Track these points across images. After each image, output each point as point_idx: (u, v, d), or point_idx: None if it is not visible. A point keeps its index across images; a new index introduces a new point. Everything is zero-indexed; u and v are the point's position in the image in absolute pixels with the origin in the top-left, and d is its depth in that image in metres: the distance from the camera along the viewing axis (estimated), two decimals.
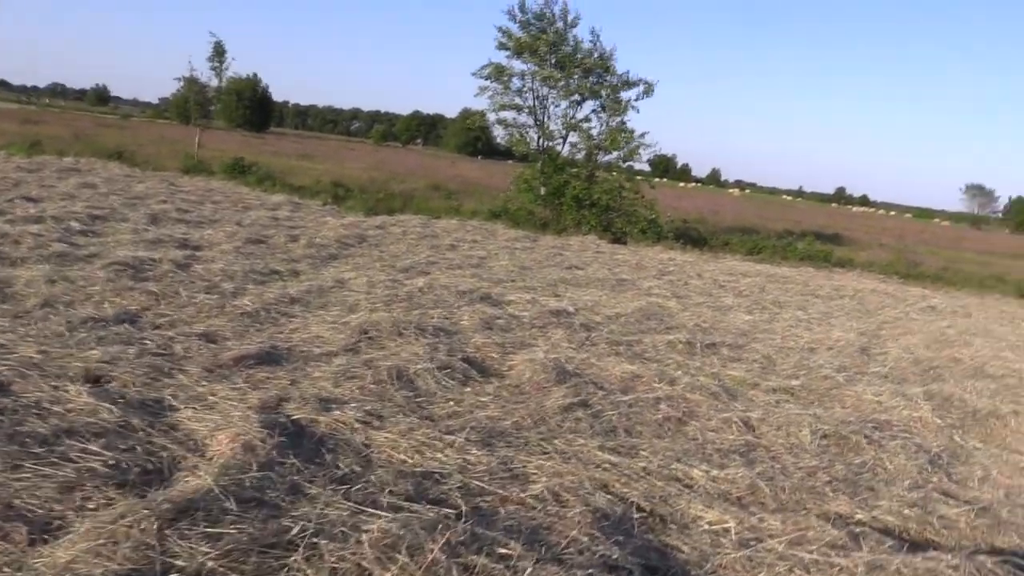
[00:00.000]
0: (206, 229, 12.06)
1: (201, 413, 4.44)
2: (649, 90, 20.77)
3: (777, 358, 8.00)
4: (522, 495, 3.95)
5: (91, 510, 3.19)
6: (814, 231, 34.04)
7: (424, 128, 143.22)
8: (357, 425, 4.53)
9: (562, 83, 20.38)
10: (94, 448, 3.73)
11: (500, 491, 3.97)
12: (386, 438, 4.41)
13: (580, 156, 21.41)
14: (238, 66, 79.01)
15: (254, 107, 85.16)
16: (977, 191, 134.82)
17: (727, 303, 11.03)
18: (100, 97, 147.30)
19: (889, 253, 27.15)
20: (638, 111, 20.76)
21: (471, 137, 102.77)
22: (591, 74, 20.50)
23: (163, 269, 8.41)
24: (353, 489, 3.62)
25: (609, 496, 4.12)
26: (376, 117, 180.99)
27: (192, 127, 25.04)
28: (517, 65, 20.72)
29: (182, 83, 24.01)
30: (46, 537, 2.93)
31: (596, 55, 20.47)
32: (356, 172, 31.94)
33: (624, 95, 20.77)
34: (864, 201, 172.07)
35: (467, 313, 7.90)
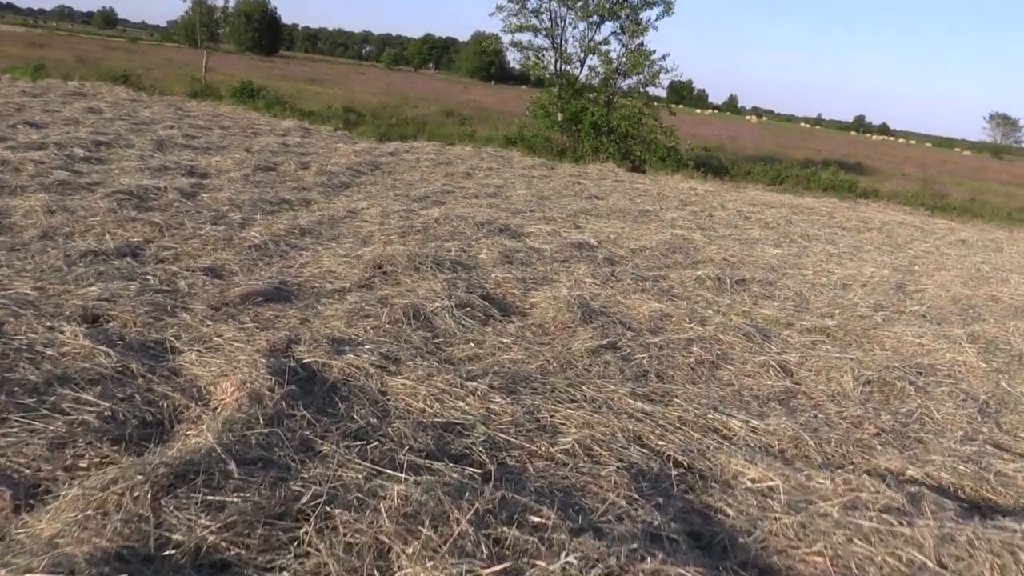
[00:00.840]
0: (214, 156, 11.65)
1: (205, 357, 4.14)
2: (669, 9, 19.91)
3: (810, 295, 7.64)
4: (552, 449, 3.65)
5: (83, 470, 2.91)
6: (836, 160, 33.24)
7: (436, 52, 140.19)
8: (372, 370, 4.22)
9: (580, 3, 19.52)
10: (89, 398, 3.44)
11: (528, 445, 3.67)
12: (403, 384, 4.10)
13: (598, 81, 20.64)
14: None
15: (263, 30, 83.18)
16: (1001, 120, 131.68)
17: (753, 236, 10.61)
18: (107, 20, 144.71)
19: (913, 184, 26.42)
20: (658, 30, 19.94)
21: (484, 61, 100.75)
22: None
23: (168, 199, 8.06)
24: (369, 446, 3.32)
25: (644, 450, 3.82)
26: (387, 41, 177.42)
27: (200, 50, 24.29)
28: None
29: (189, 5, 23.25)
30: (32, 503, 2.65)
31: None
32: (367, 97, 31.17)
33: (644, 15, 19.93)
34: (884, 129, 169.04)
35: (485, 246, 7.53)
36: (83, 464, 2.96)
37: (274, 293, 5.42)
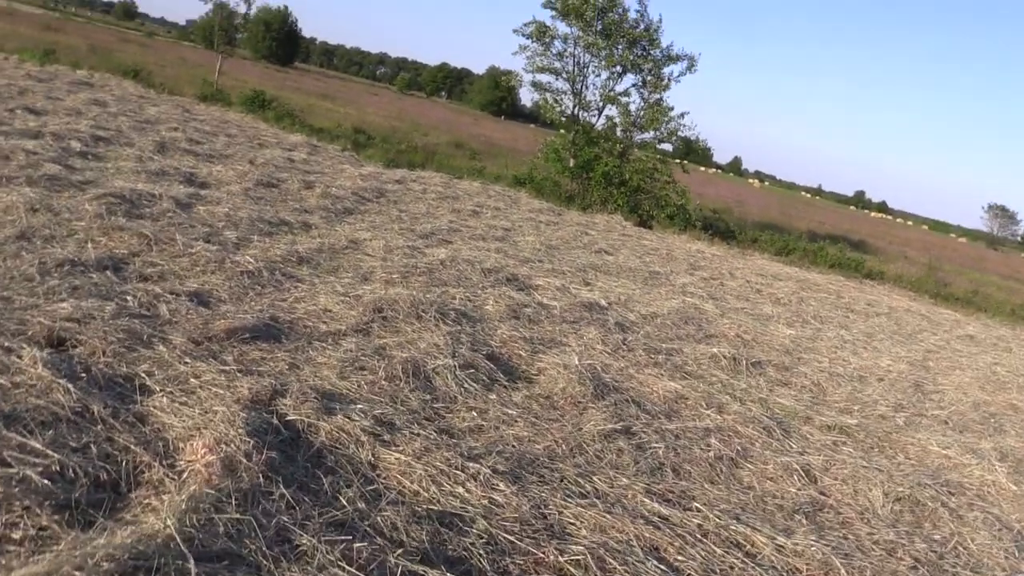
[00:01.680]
0: (216, 165, 11.24)
1: (178, 402, 3.67)
2: (692, 65, 19.76)
3: (827, 386, 7.21)
4: (561, 559, 3.18)
5: (13, 544, 2.42)
6: (839, 235, 33.17)
7: (450, 81, 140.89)
8: (364, 437, 3.75)
9: (605, 52, 19.33)
10: (36, 445, 2.96)
11: (534, 551, 3.20)
12: (397, 459, 3.63)
13: (618, 131, 20.40)
14: None
15: (281, 40, 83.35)
16: (999, 211, 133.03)
17: (766, 312, 10.21)
18: (127, 12, 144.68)
19: (917, 268, 26.24)
20: (679, 82, 19.77)
21: (497, 96, 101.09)
22: (635, 45, 19.45)
23: (162, 207, 7.61)
24: (356, 544, 2.83)
25: (663, 567, 3.35)
26: (402, 64, 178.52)
27: (216, 53, 23.94)
28: (561, 27, 19.69)
29: (210, 6, 22.94)
30: None
31: (642, 26, 19.41)
32: (378, 119, 30.93)
33: (666, 70, 19.77)
34: (883, 207, 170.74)
35: (492, 296, 7.09)
36: (15, 536, 2.47)
37: (263, 330, 4.95)
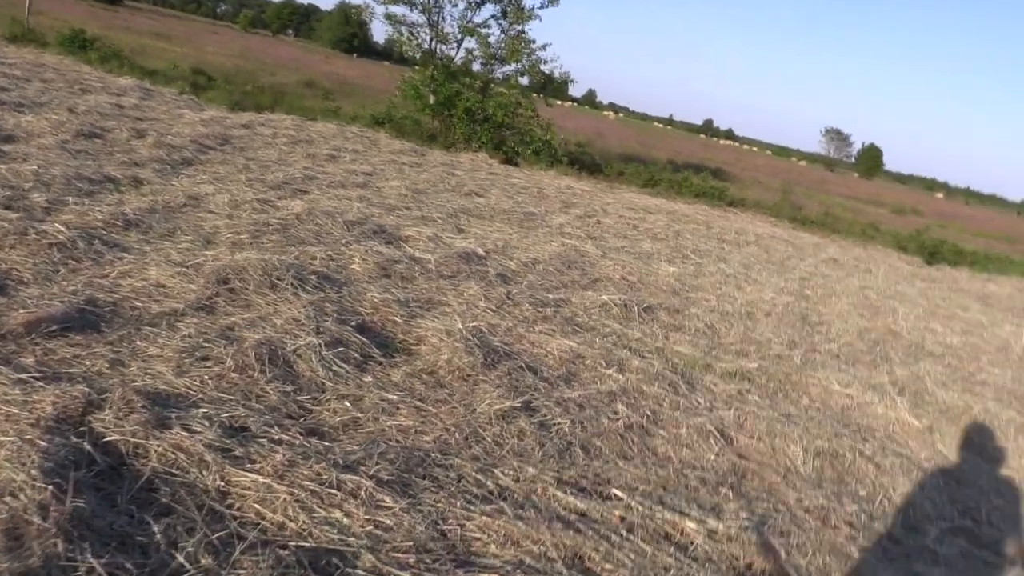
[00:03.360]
0: (26, 115, 9.68)
1: None
2: None
3: (720, 327, 6.88)
4: None
5: None
6: (696, 164, 33.80)
7: (297, 18, 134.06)
8: (209, 456, 2.96)
9: None
10: None
11: None
12: (254, 481, 2.88)
13: (475, 65, 19.53)
14: None
15: None
16: (835, 135, 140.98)
17: (646, 249, 9.85)
18: None
19: (771, 194, 27.06)
20: (541, 20, 19.07)
21: (348, 33, 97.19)
22: None
23: None
24: None
25: None
26: (245, 2, 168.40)
27: None
28: None
29: None
30: None
31: None
32: (220, 59, 28.67)
33: (527, 2, 18.97)
34: (730, 134, 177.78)
35: (358, 254, 6.29)
36: None
37: (76, 318, 4.00)
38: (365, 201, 8.70)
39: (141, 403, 3.23)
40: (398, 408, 3.83)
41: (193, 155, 9.42)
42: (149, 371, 3.64)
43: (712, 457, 4.15)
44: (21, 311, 3.89)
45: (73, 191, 6.54)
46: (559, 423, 4.05)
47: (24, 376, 3.28)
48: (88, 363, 3.62)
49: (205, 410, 3.35)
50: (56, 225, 5.20)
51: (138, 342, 3.92)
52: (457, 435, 3.69)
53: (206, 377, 3.67)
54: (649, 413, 4.49)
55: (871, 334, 8.05)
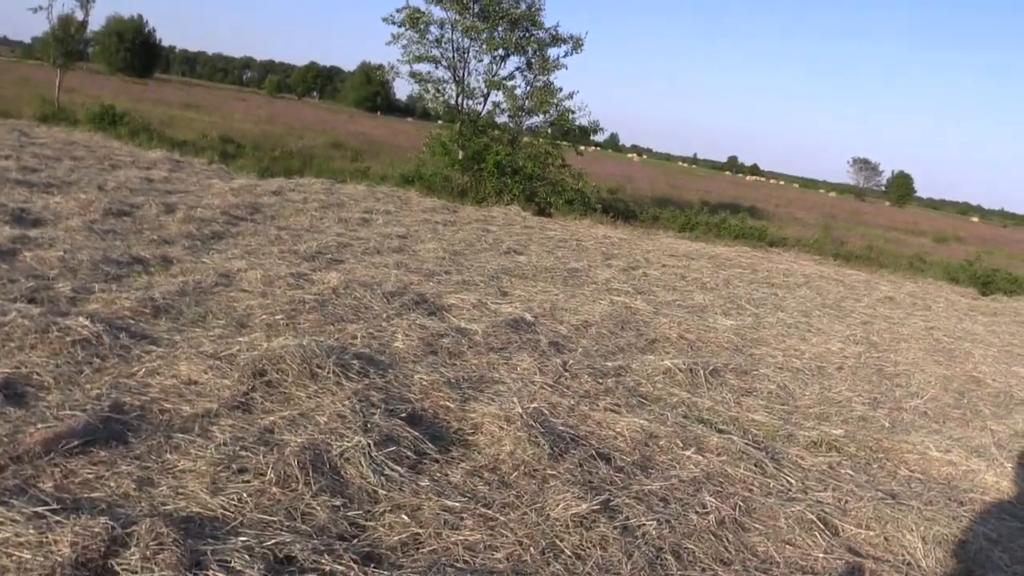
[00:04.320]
0: (55, 196, 9.53)
1: None
2: (578, 46, 18.82)
3: (793, 387, 6.35)
4: None
5: None
6: (729, 203, 33.33)
7: (321, 80, 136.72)
8: None
9: (485, 34, 18.14)
10: None
11: None
12: None
13: (503, 118, 19.30)
14: (122, 6, 72.75)
15: (136, 50, 78.12)
16: (863, 164, 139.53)
17: (698, 301, 9.34)
18: None
19: (811, 230, 26.46)
20: (567, 68, 18.84)
21: (370, 92, 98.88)
22: (517, 27, 18.35)
23: None
24: None
25: None
26: (270, 67, 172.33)
27: (54, 68, 21.46)
28: (436, 12, 18.36)
29: (55, 19, 20.39)
30: None
31: (524, 6, 18.32)
32: (248, 126, 28.87)
33: (552, 52, 18.76)
34: (755, 170, 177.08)
35: (400, 329, 5.88)
36: None
37: (100, 429, 3.61)
38: (402, 267, 8.32)
39: (172, 536, 2.80)
40: (462, 518, 3.36)
41: (224, 228, 9.15)
42: (181, 490, 3.22)
43: (821, 555, 3.62)
44: (40, 426, 3.51)
45: (100, 276, 6.24)
46: (644, 525, 3.55)
47: (40, 509, 2.87)
48: (112, 484, 3.21)
49: (245, 538, 2.92)
50: (80, 319, 4.85)
51: (168, 454, 3.51)
52: (532, 549, 3.20)
53: (245, 495, 3.24)
54: (740, 503, 3.97)
55: (953, 384, 7.45)
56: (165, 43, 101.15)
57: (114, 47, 75.98)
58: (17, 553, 2.61)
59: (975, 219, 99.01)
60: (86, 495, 3.10)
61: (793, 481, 4.42)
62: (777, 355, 7.31)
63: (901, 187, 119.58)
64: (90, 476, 3.24)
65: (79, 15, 20.91)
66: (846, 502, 4.21)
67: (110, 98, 25.66)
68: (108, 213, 8.91)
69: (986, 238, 45.21)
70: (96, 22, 75.66)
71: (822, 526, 3.87)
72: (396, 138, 36.90)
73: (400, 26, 18.37)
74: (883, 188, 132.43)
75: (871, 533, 3.92)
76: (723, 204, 31.66)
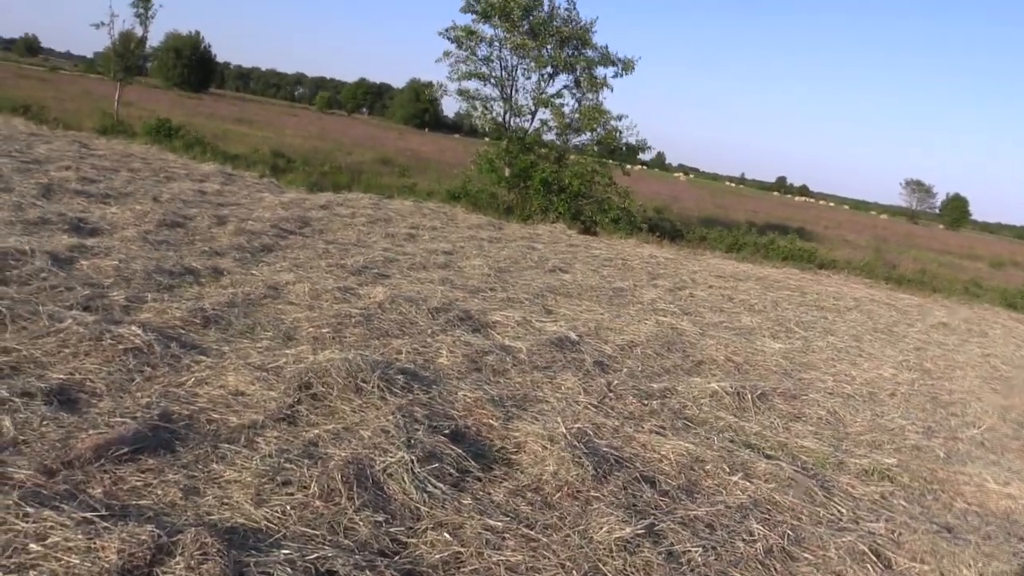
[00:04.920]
0: (111, 206, 9.77)
1: None
2: (628, 67, 18.79)
3: (843, 412, 6.20)
4: None
5: None
6: (777, 223, 32.92)
7: (371, 97, 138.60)
8: None
9: (534, 52, 18.22)
10: None
11: None
12: None
13: (550, 136, 19.34)
14: (180, 23, 74.74)
15: (193, 66, 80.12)
16: (916, 186, 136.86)
17: (746, 323, 9.21)
18: (29, 47, 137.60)
19: (861, 252, 25.99)
20: (612, 90, 18.85)
21: (419, 109, 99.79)
22: (567, 45, 18.41)
23: (33, 267, 6.21)
24: None
25: None
26: (321, 83, 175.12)
27: (130, 84, 22.06)
28: (486, 30, 18.51)
29: (111, 33, 21.01)
30: None
31: (573, 24, 18.38)
32: (298, 141, 29.34)
33: (600, 71, 18.78)
34: (804, 191, 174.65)
35: (445, 345, 5.89)
36: None
37: (149, 437, 3.66)
38: (448, 284, 8.35)
39: (216, 546, 2.81)
40: (504, 538, 3.33)
41: (273, 240, 9.27)
42: (226, 501, 3.25)
43: None
44: (91, 432, 3.56)
45: (153, 286, 6.36)
46: (689, 551, 3.48)
47: (89, 515, 2.91)
48: (160, 492, 3.24)
49: (288, 551, 2.92)
50: (133, 328, 4.93)
51: (214, 464, 3.54)
52: (575, 573, 3.16)
53: (288, 507, 3.25)
54: (789, 532, 3.87)
55: (1011, 413, 7.22)
56: (220, 59, 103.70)
57: (171, 62, 77.99)
58: (66, 558, 2.64)
59: None
60: (134, 502, 3.14)
61: (843, 511, 4.30)
62: (827, 380, 7.15)
63: (956, 210, 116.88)
64: (138, 483, 3.28)
65: (139, 31, 21.50)
66: (899, 534, 4.08)
67: (166, 112, 26.32)
68: (162, 224, 9.09)
69: None
70: (155, 38, 77.64)
71: (874, 558, 3.76)
72: (443, 155, 37.19)
73: (453, 42, 18.55)
74: (937, 211, 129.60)
75: (926, 567, 3.79)
76: (771, 225, 31.25)
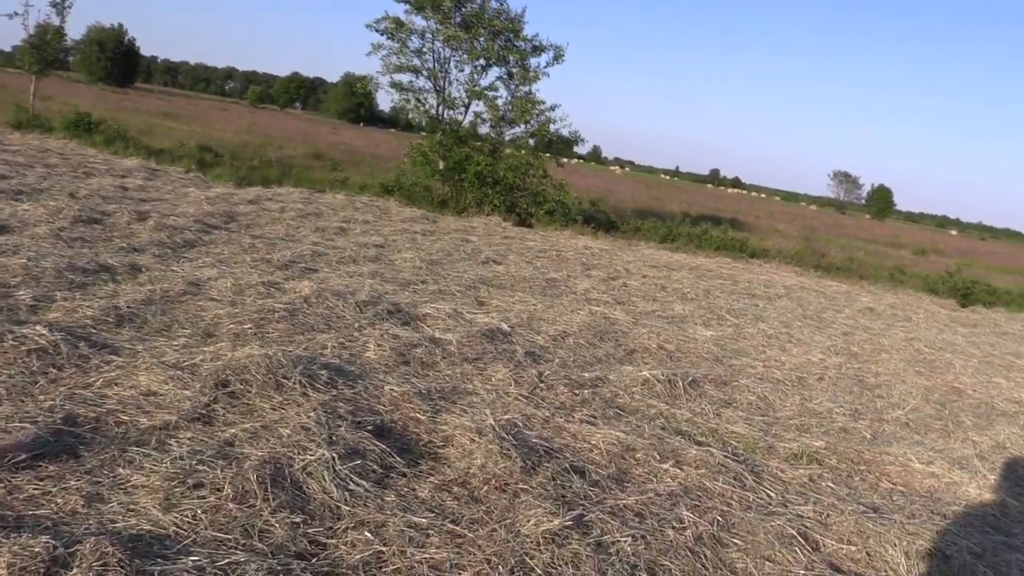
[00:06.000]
0: (23, 203, 9.31)
1: None
2: (560, 56, 18.78)
3: (773, 398, 6.25)
4: None
5: None
6: (711, 215, 33.40)
7: (304, 91, 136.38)
8: None
9: (467, 44, 18.07)
10: None
11: None
12: None
13: (484, 128, 19.22)
14: (104, 15, 72.23)
15: (117, 60, 77.50)
16: (844, 177, 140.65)
17: (678, 311, 9.25)
18: None
19: (792, 241, 26.55)
20: (548, 76, 18.82)
21: (354, 103, 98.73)
22: (499, 37, 18.31)
23: None
24: None
25: None
26: (252, 78, 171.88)
27: (40, 77, 21.08)
28: (418, 22, 18.28)
29: (25, 24, 20.06)
30: None
31: (504, 16, 18.28)
32: (227, 135, 28.62)
33: (533, 62, 18.72)
34: (737, 183, 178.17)
35: (372, 339, 5.74)
36: None
37: (51, 443, 3.44)
38: (378, 277, 8.18)
39: (118, 556, 2.64)
40: (428, 535, 3.22)
41: (196, 236, 8.97)
42: (132, 507, 3.06)
43: (801, 571, 3.50)
44: None
45: (64, 284, 6.06)
46: (618, 541, 3.42)
47: None
48: (59, 501, 3.04)
49: (196, 557, 2.76)
50: (37, 328, 4.67)
51: (120, 469, 3.34)
52: (501, 568, 3.06)
53: (199, 511, 3.08)
54: (718, 518, 3.85)
55: (934, 395, 7.39)
56: (147, 53, 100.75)
57: (94, 56, 75.40)
58: None
59: (953, 232, 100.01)
60: (30, 512, 2.93)
61: (773, 495, 4.31)
62: (757, 366, 7.22)
63: (881, 200, 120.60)
64: (36, 492, 3.07)
65: (56, 21, 20.63)
66: (827, 516, 4.10)
67: (88, 106, 25.36)
68: (77, 221, 8.71)
69: (964, 251, 45.53)
70: (76, 30, 75.04)
71: (803, 541, 3.75)
72: (377, 149, 36.76)
73: (382, 34, 18.28)
74: (863, 201, 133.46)
75: (853, 548, 3.81)
76: (705, 216, 31.72)
